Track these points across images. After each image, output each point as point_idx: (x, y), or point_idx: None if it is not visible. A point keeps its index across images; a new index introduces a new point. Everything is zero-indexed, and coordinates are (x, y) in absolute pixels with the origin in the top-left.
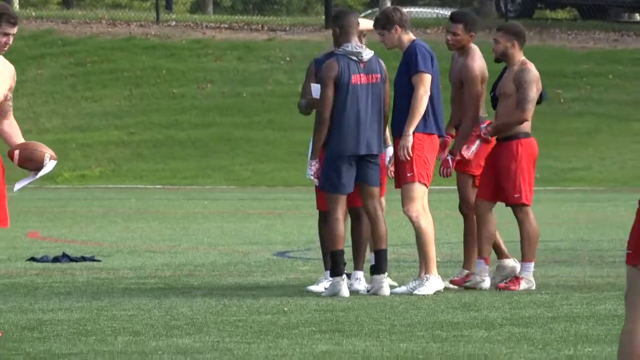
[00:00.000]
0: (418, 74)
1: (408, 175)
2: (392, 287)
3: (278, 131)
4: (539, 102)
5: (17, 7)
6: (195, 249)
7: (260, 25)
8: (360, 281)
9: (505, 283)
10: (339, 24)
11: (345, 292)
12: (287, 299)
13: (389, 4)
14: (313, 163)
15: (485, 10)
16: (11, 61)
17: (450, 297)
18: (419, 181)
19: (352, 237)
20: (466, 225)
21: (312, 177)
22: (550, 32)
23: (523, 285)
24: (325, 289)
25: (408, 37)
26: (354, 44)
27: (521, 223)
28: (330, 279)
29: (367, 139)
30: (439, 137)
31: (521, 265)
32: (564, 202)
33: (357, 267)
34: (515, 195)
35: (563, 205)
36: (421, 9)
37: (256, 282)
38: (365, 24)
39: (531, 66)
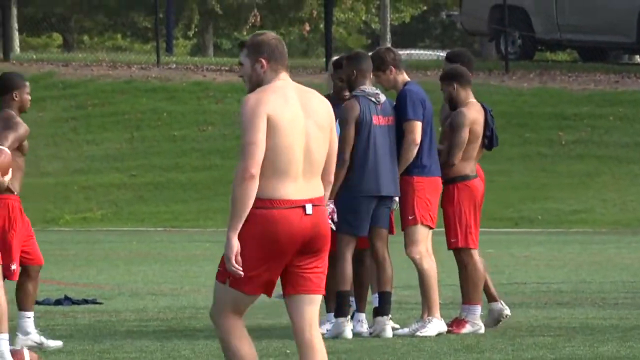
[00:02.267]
0: (408, 122)
1: (410, 217)
2: (394, 329)
3: None
4: (489, 148)
5: (18, 49)
6: (197, 291)
7: None
8: (363, 323)
9: (448, 326)
10: (356, 67)
11: (348, 333)
12: (289, 341)
13: (389, 46)
14: (330, 205)
15: (485, 52)
16: None
17: (453, 339)
18: (422, 223)
19: (354, 279)
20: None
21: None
22: (551, 74)
23: (468, 328)
24: (328, 330)
25: (402, 77)
26: (370, 86)
27: (466, 266)
28: (333, 320)
29: (386, 180)
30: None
31: (467, 309)
32: (566, 244)
33: (360, 309)
34: (452, 240)
35: (565, 247)
36: (421, 52)
37: (258, 324)
38: None
39: (468, 109)
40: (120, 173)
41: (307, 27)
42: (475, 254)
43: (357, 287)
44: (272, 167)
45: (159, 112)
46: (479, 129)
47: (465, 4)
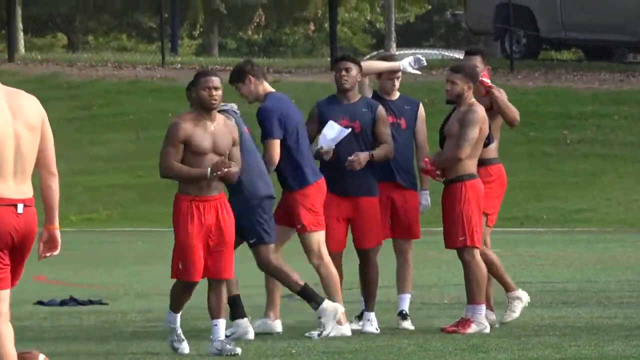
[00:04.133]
0: (265, 140)
1: (298, 227)
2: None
3: None
4: (485, 145)
5: (23, 50)
6: (203, 292)
7: (265, 68)
8: (372, 322)
9: (455, 326)
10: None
11: (251, 334)
12: (295, 341)
13: (394, 46)
14: None
15: (490, 51)
16: None
17: (458, 339)
18: (311, 230)
19: (361, 278)
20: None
21: None
22: (556, 73)
23: (473, 328)
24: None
25: (263, 87)
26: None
27: (469, 265)
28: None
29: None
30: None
31: (471, 308)
32: (571, 244)
33: (369, 308)
34: (460, 239)
35: (570, 247)
36: (426, 51)
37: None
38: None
39: (479, 108)
40: (126, 173)
41: (312, 27)
42: (478, 253)
43: (366, 286)
44: None
45: (164, 112)
46: (486, 129)
47: (470, 3)
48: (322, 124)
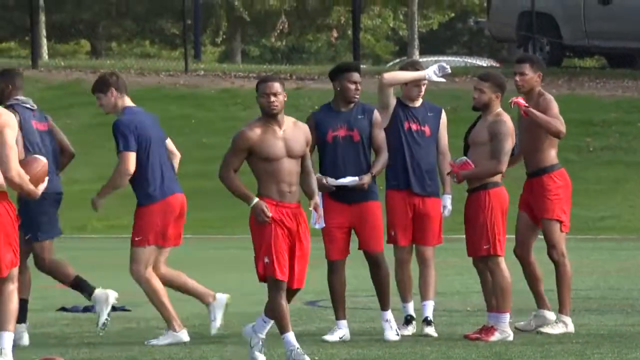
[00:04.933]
0: (119, 153)
1: (136, 239)
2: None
3: None
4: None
5: (46, 57)
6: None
7: (288, 75)
8: (391, 323)
9: (479, 333)
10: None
11: (26, 341)
12: (317, 347)
13: (417, 53)
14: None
15: (513, 59)
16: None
17: (481, 346)
18: (148, 244)
19: (374, 282)
20: (558, 272)
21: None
22: (579, 80)
23: (497, 336)
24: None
25: (122, 101)
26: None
27: (493, 274)
28: (342, 327)
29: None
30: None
31: (495, 316)
32: (594, 251)
33: (385, 307)
34: (485, 247)
35: (593, 254)
36: (449, 58)
37: None
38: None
39: (507, 117)
40: None
41: (335, 34)
42: (502, 261)
43: (378, 287)
44: None
45: (187, 119)
46: (514, 139)
47: (493, 11)
48: (320, 134)
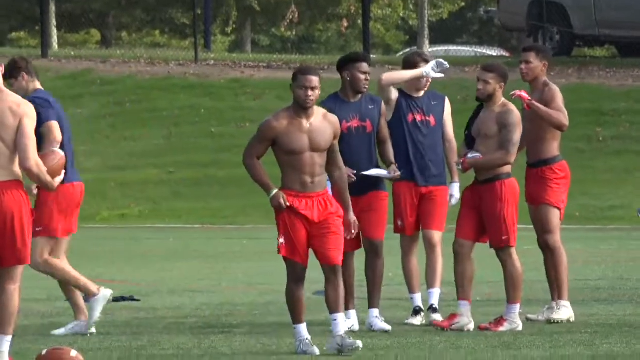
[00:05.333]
0: (46, 123)
1: (37, 229)
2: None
3: None
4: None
5: (56, 46)
6: (234, 288)
7: (298, 64)
8: (381, 319)
9: (489, 324)
10: None
11: None
12: (325, 338)
13: (427, 43)
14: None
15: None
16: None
17: (490, 336)
18: (50, 236)
19: (369, 272)
20: (554, 258)
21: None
22: (589, 69)
23: (506, 326)
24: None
25: (34, 84)
26: None
27: (505, 265)
28: (351, 317)
29: None
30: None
31: (506, 307)
32: (603, 241)
33: (374, 304)
34: (504, 238)
35: (602, 244)
36: (459, 47)
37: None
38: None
39: (514, 107)
40: (158, 169)
41: (345, 24)
42: (514, 252)
43: (370, 279)
44: None
45: (197, 108)
46: (521, 129)
47: (503, 0)
48: None
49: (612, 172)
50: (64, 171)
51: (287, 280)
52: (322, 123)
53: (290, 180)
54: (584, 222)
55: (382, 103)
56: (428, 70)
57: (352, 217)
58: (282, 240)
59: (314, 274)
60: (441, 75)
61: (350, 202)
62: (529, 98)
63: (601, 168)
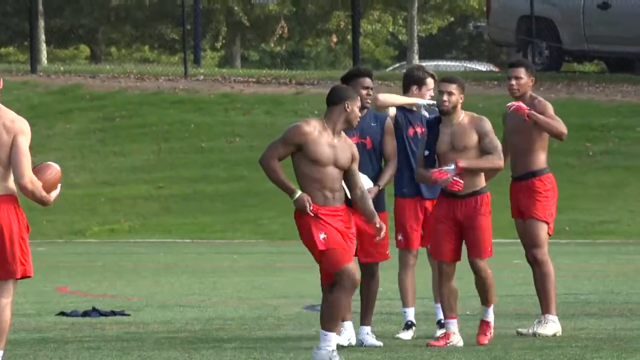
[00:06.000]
0: None
1: None
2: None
3: None
4: None
5: (46, 62)
6: (224, 303)
7: (288, 79)
8: (370, 334)
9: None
10: None
11: None
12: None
13: (416, 58)
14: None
15: None
16: (39, 116)
17: (481, 351)
18: None
19: (364, 292)
20: (542, 272)
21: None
22: (578, 85)
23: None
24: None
25: None
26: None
27: (479, 272)
28: (347, 329)
29: None
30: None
31: (485, 310)
32: (593, 255)
33: (366, 322)
34: (489, 249)
35: (592, 258)
36: (448, 63)
37: (286, 335)
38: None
39: (482, 115)
40: (148, 185)
41: (335, 39)
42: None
43: (365, 299)
44: None
45: (186, 123)
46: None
47: (493, 15)
48: None
49: (602, 187)
50: (60, 185)
51: (339, 285)
52: (344, 143)
53: (312, 194)
54: (574, 237)
55: (387, 120)
56: (422, 103)
57: (379, 221)
58: (322, 235)
59: (307, 289)
60: (426, 114)
61: (375, 210)
62: (528, 108)
63: (591, 183)
